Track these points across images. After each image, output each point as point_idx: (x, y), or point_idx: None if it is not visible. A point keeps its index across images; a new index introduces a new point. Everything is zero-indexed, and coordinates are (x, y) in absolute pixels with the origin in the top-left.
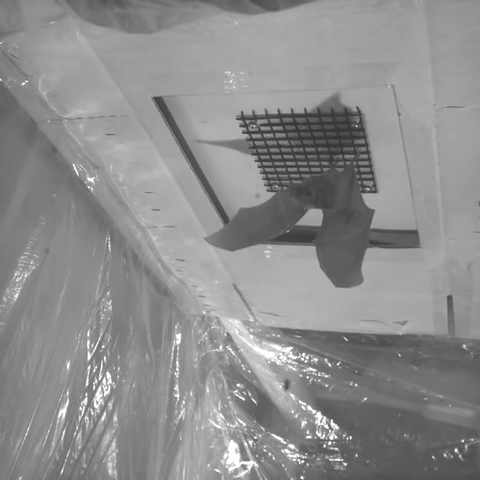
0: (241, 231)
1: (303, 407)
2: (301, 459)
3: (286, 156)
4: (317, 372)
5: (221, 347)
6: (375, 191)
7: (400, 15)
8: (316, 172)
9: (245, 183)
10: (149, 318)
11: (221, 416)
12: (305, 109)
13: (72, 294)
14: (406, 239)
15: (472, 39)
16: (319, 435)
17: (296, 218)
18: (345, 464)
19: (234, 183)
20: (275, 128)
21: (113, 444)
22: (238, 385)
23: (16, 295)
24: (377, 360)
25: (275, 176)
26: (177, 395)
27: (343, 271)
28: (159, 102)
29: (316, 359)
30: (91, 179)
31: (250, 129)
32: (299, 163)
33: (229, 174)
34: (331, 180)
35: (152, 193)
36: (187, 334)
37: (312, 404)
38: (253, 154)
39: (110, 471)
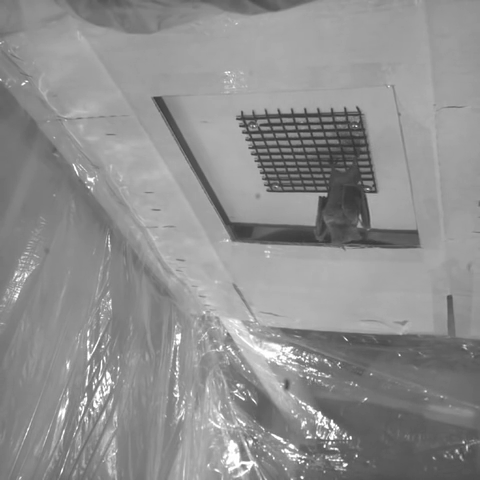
0: None
1: (303, 407)
2: (301, 459)
3: (286, 156)
4: (317, 372)
5: (221, 347)
6: (375, 191)
7: (400, 15)
8: (316, 172)
9: (245, 183)
10: (149, 318)
11: (221, 416)
12: (305, 109)
13: (72, 294)
14: (406, 239)
15: (472, 39)
16: (319, 435)
17: None
18: (345, 464)
19: (234, 183)
20: (275, 128)
21: (113, 444)
22: (238, 385)
23: (16, 295)
24: (377, 360)
25: (275, 176)
26: (177, 395)
27: None
28: (159, 102)
29: (316, 359)
30: (91, 179)
31: (250, 129)
32: (299, 163)
33: (229, 174)
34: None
35: (152, 193)
36: (187, 334)
37: (312, 404)
38: (253, 154)
39: (110, 471)
